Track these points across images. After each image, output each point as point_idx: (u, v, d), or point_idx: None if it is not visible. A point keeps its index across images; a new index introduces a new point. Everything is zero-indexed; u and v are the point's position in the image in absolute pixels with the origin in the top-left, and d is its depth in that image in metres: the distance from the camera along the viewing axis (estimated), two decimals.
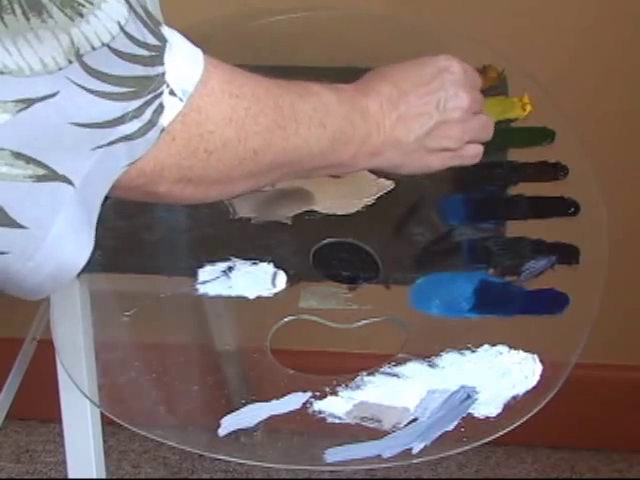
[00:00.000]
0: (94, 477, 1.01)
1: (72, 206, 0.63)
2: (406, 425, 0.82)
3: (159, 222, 1.00)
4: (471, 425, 0.81)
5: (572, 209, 0.97)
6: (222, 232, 0.98)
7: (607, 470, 1.60)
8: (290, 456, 0.84)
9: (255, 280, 0.93)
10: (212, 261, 0.94)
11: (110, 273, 0.98)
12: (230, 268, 0.94)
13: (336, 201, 0.99)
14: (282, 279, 0.93)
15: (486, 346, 0.86)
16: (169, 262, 0.98)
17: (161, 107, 0.65)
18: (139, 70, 0.64)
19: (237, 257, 0.94)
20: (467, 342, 0.86)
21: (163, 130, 0.66)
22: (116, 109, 0.63)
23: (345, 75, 1.13)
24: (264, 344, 0.90)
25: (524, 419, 0.81)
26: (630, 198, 1.35)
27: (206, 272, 0.94)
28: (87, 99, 0.62)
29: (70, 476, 1.02)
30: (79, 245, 0.65)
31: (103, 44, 0.62)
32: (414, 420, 0.82)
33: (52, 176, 0.61)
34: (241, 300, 0.92)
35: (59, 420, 0.99)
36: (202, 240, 0.97)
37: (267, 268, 0.94)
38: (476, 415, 0.82)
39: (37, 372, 1.19)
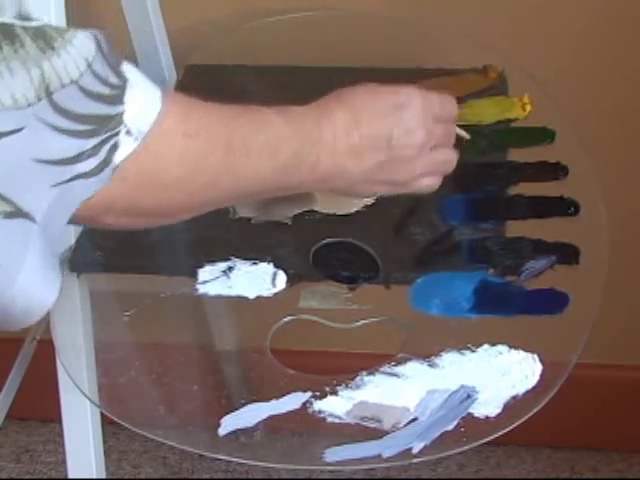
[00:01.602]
0: (94, 477, 1.01)
1: (38, 242, 0.64)
2: (406, 425, 0.82)
3: None
4: (471, 425, 0.81)
5: (572, 209, 0.97)
6: (222, 232, 0.98)
7: (607, 470, 1.60)
8: (290, 456, 0.84)
9: (255, 280, 0.93)
10: (212, 261, 0.94)
11: (110, 273, 0.99)
12: (230, 268, 0.94)
13: (336, 201, 0.99)
14: (282, 279, 0.93)
15: (486, 346, 0.86)
16: (169, 262, 0.98)
17: (116, 146, 0.66)
18: (101, 109, 0.65)
19: (237, 257, 0.94)
20: (467, 342, 0.87)
21: (115, 168, 0.67)
22: (75, 147, 0.64)
23: (345, 75, 1.13)
24: (264, 344, 0.90)
25: (524, 419, 0.81)
26: (630, 198, 1.35)
27: (206, 272, 0.94)
28: (50, 136, 0.63)
29: (70, 476, 1.02)
30: (49, 279, 0.66)
31: (72, 81, 0.63)
32: (414, 420, 0.82)
33: (18, 212, 0.62)
34: (241, 300, 0.92)
35: (59, 420, 0.99)
36: (202, 240, 0.97)
37: (267, 268, 0.94)
38: (476, 415, 0.82)
39: (37, 372, 1.19)
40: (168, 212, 0.75)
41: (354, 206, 0.99)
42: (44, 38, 0.62)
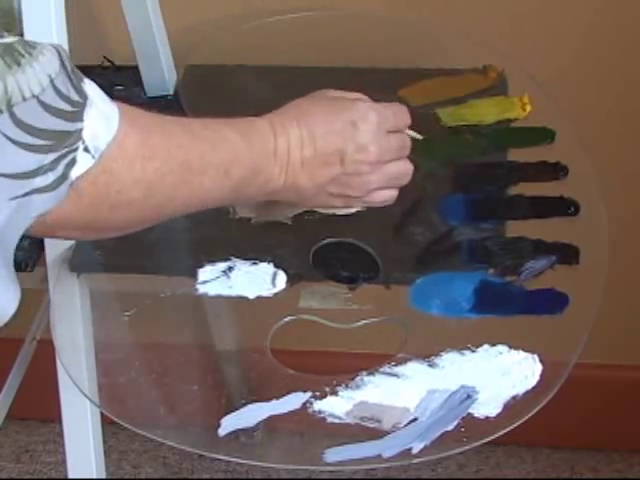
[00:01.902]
0: (94, 477, 1.01)
1: None
2: (406, 425, 0.82)
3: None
4: (471, 425, 0.81)
5: (572, 209, 0.97)
6: (222, 232, 0.98)
7: (607, 470, 1.60)
8: (290, 456, 0.84)
9: (255, 280, 0.93)
10: (212, 261, 0.94)
11: (110, 273, 0.99)
12: (230, 268, 0.94)
13: None
14: (282, 279, 0.93)
15: (486, 346, 0.86)
16: (169, 262, 0.98)
17: (73, 161, 0.67)
18: (60, 124, 0.66)
19: (237, 257, 0.94)
20: (467, 342, 0.86)
21: (72, 183, 0.68)
22: (34, 161, 0.65)
23: (345, 75, 1.13)
24: (264, 344, 0.90)
25: (524, 419, 0.81)
26: (630, 198, 1.35)
27: (206, 272, 0.94)
28: (10, 150, 0.64)
29: (70, 476, 1.02)
30: (7, 289, 0.67)
31: (33, 95, 0.64)
32: (414, 420, 0.82)
33: None
34: (241, 300, 0.92)
35: (59, 420, 0.99)
36: (202, 240, 0.97)
37: (267, 268, 0.94)
38: (476, 415, 0.82)
39: (37, 372, 1.19)
40: (120, 227, 0.77)
41: (354, 206, 0.99)
42: (12, 55, 0.64)
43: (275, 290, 0.93)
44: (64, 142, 0.66)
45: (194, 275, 0.94)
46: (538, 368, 0.84)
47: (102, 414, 0.98)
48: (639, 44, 1.25)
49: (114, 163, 0.70)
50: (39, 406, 1.41)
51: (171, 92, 1.17)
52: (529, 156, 1.02)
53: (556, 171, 1.01)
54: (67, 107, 0.66)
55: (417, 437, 0.81)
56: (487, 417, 0.82)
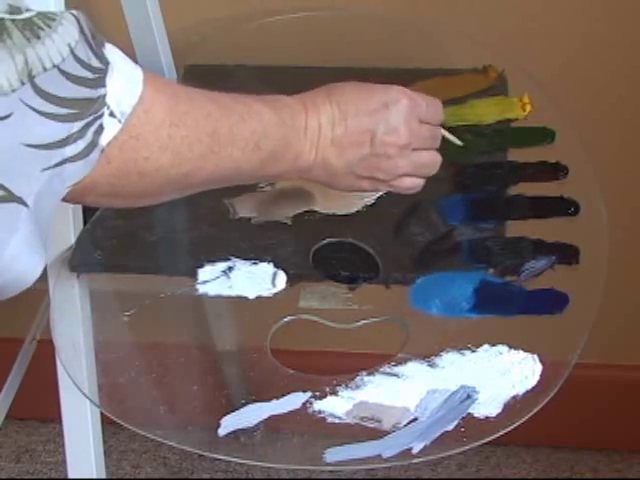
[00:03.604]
0: (94, 477, 1.01)
1: (27, 226, 0.65)
2: (406, 425, 0.82)
3: (159, 222, 1.00)
4: (471, 425, 0.81)
5: (572, 209, 0.97)
6: (222, 232, 0.98)
7: (607, 470, 1.60)
8: (290, 456, 0.84)
9: (255, 280, 0.93)
10: (212, 261, 0.94)
11: (110, 273, 0.99)
12: (230, 268, 0.94)
13: (336, 201, 0.99)
14: (282, 279, 0.93)
15: (486, 346, 0.86)
16: (169, 262, 0.98)
17: (101, 128, 0.67)
18: (83, 92, 0.66)
19: (237, 257, 0.94)
20: (467, 342, 0.87)
21: (103, 150, 0.67)
22: (62, 130, 0.65)
23: (345, 75, 1.13)
24: (264, 344, 0.90)
25: (524, 419, 0.81)
26: (630, 198, 1.35)
27: (206, 272, 0.94)
28: (37, 120, 0.63)
29: (70, 476, 1.02)
30: (32, 261, 0.66)
31: (54, 65, 0.64)
32: (414, 420, 0.82)
33: (9, 197, 0.63)
34: (241, 300, 0.92)
35: (59, 420, 0.99)
36: (202, 240, 0.97)
37: (267, 268, 0.94)
38: (476, 415, 0.82)
39: (37, 372, 1.19)
40: (149, 195, 0.76)
41: (354, 206, 0.99)
42: (31, 29, 0.64)
43: (275, 290, 0.93)
44: (89, 109, 0.66)
45: (194, 275, 0.94)
46: (538, 368, 0.84)
47: (102, 414, 0.98)
48: (639, 44, 1.25)
49: (141, 128, 0.70)
50: (39, 406, 1.41)
51: None
52: (529, 156, 1.02)
53: (556, 171, 1.01)
54: (88, 74, 0.66)
55: (417, 437, 0.81)
56: (487, 417, 0.82)
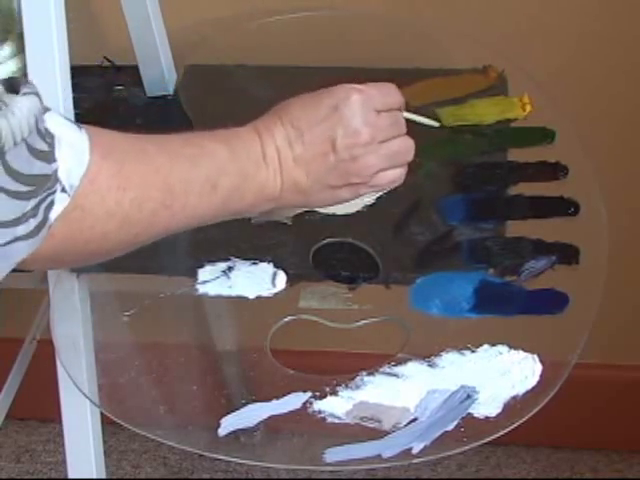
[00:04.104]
0: (94, 477, 1.01)
1: None
2: (406, 425, 0.82)
3: None
4: (471, 425, 0.81)
5: (572, 209, 0.97)
6: (222, 232, 0.98)
7: (607, 470, 1.60)
8: (290, 456, 0.84)
9: (255, 280, 0.93)
10: (212, 261, 0.94)
11: (110, 273, 0.98)
12: (230, 268, 0.94)
13: None
14: (282, 279, 0.93)
15: (486, 346, 0.86)
16: (169, 262, 0.98)
17: (52, 203, 0.66)
18: (41, 167, 0.64)
19: (237, 257, 0.94)
20: (467, 342, 0.87)
21: (51, 225, 0.66)
22: (18, 209, 0.63)
23: (345, 75, 1.13)
24: (264, 344, 0.90)
25: (524, 419, 0.81)
26: (630, 198, 1.35)
27: (206, 272, 0.94)
28: (1, 198, 0.62)
29: (70, 476, 1.01)
30: None
31: (22, 139, 0.62)
32: (414, 420, 0.82)
33: None
34: (241, 300, 0.92)
35: (59, 420, 0.99)
36: (202, 240, 0.97)
37: (267, 268, 0.94)
38: (476, 415, 0.82)
39: (37, 372, 1.19)
40: (98, 256, 0.75)
41: (354, 206, 0.99)
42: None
43: (275, 290, 0.93)
44: (44, 186, 0.64)
45: (194, 275, 0.94)
46: (538, 368, 0.84)
47: (102, 414, 0.98)
48: (639, 44, 1.25)
49: (85, 199, 0.67)
50: (39, 406, 1.41)
51: (171, 92, 1.17)
52: (529, 156, 1.02)
53: (556, 171, 1.01)
54: (45, 147, 0.64)
55: (417, 437, 0.81)
56: (487, 417, 0.82)
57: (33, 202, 0.64)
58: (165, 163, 0.74)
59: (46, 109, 0.66)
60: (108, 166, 0.69)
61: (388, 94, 0.86)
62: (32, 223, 0.64)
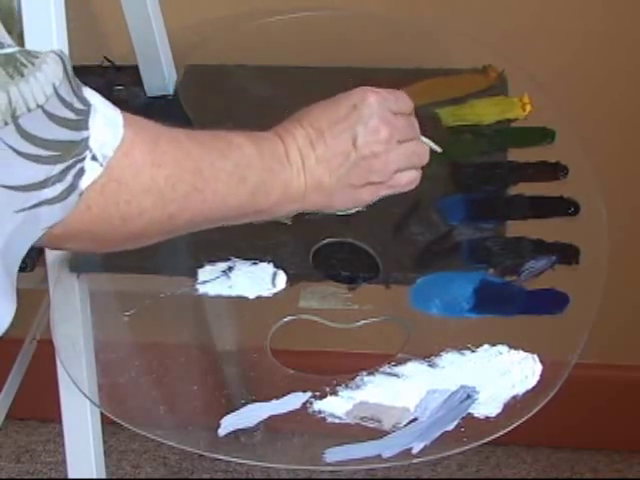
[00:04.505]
0: (94, 477, 1.01)
1: None
2: (406, 425, 0.82)
3: None
4: (471, 425, 0.81)
5: (572, 209, 0.97)
6: (222, 232, 0.98)
7: (607, 470, 1.60)
8: (290, 456, 0.84)
9: (255, 280, 0.93)
10: (212, 261, 0.94)
11: (110, 273, 0.99)
12: (230, 268, 0.94)
13: None
14: (282, 279, 0.93)
15: (486, 346, 0.86)
16: (169, 262, 0.98)
17: (82, 171, 0.66)
18: (66, 134, 0.65)
19: (237, 257, 0.94)
20: (467, 342, 0.86)
21: (82, 193, 0.66)
22: (41, 173, 0.63)
23: (345, 75, 1.13)
24: (264, 344, 0.90)
25: (524, 419, 0.81)
26: (630, 198, 1.35)
27: (206, 272, 0.94)
28: (17, 162, 0.62)
29: (70, 476, 1.02)
30: (2, 307, 0.67)
31: (38, 105, 0.63)
32: (414, 420, 0.82)
33: None
34: (241, 300, 0.92)
35: (59, 420, 0.99)
36: (202, 240, 0.97)
37: (267, 268, 0.94)
38: (476, 415, 0.82)
39: (37, 372, 1.19)
40: (135, 239, 0.75)
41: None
42: (14, 65, 0.62)
43: (275, 290, 0.93)
44: (71, 152, 0.65)
45: (194, 275, 0.94)
46: (538, 368, 0.84)
47: (102, 414, 0.98)
48: (639, 44, 1.25)
49: (121, 171, 0.68)
50: (39, 406, 1.41)
51: (171, 92, 1.17)
52: (529, 156, 1.02)
53: (556, 171, 1.01)
54: (71, 115, 0.65)
55: (417, 437, 0.81)
56: (487, 417, 0.82)
57: (59, 167, 0.64)
58: (195, 150, 0.75)
59: (82, 85, 0.67)
60: (142, 143, 0.70)
61: (401, 99, 0.88)
62: (59, 188, 0.64)
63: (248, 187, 0.79)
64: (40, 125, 0.63)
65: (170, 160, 0.72)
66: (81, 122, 0.66)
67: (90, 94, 0.68)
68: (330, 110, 0.85)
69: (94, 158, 0.66)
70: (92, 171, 0.66)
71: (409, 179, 0.89)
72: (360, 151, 0.84)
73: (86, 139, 0.66)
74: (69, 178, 0.65)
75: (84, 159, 0.66)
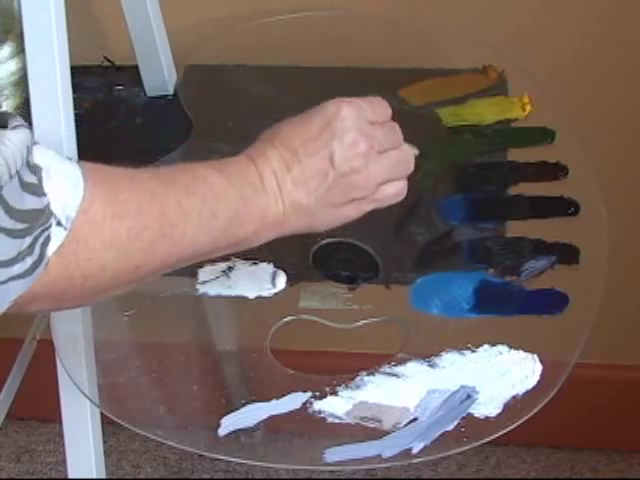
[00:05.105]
0: (94, 477, 1.01)
1: None
2: (406, 425, 0.82)
3: None
4: (471, 425, 0.81)
5: (572, 209, 0.97)
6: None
7: (607, 470, 1.60)
8: (290, 456, 0.84)
9: (255, 280, 0.93)
10: (212, 261, 0.94)
11: None
12: (230, 268, 0.94)
13: None
14: (282, 279, 0.93)
15: (486, 346, 0.86)
16: None
17: (48, 239, 0.63)
18: (34, 202, 0.62)
19: (237, 257, 0.94)
20: (467, 342, 0.86)
21: (48, 262, 0.63)
22: (13, 248, 0.61)
23: (345, 75, 1.13)
24: (264, 344, 0.90)
25: (524, 419, 0.81)
26: (630, 198, 1.35)
27: (206, 272, 0.94)
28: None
29: (70, 476, 1.01)
30: None
31: (16, 172, 0.60)
32: (414, 420, 0.82)
33: None
34: (241, 300, 0.92)
35: (59, 420, 0.99)
36: None
37: (267, 268, 0.94)
38: (476, 415, 0.82)
39: (37, 372, 1.19)
40: (99, 293, 0.71)
41: None
42: None
43: (275, 290, 0.93)
44: (38, 221, 0.62)
45: (194, 275, 0.94)
46: (538, 368, 0.84)
47: (102, 414, 0.98)
48: (638, 44, 1.25)
49: (82, 231, 0.65)
50: (39, 406, 1.41)
51: (171, 92, 1.17)
52: (529, 156, 1.02)
53: (556, 171, 1.01)
54: (34, 180, 0.62)
55: (417, 437, 0.81)
56: (487, 417, 0.82)
57: (28, 240, 0.62)
58: (159, 189, 0.71)
59: (34, 142, 0.64)
60: (102, 194, 0.67)
61: (378, 106, 0.83)
62: (28, 261, 0.62)
63: (220, 222, 0.74)
64: (16, 194, 0.60)
65: (132, 209, 0.68)
66: (39, 186, 0.63)
67: (42, 155, 0.64)
68: (302, 127, 0.80)
69: (59, 224, 0.63)
70: (57, 237, 0.63)
71: (396, 190, 0.83)
72: (338, 169, 0.79)
73: (47, 205, 0.63)
74: (37, 249, 0.62)
75: (50, 227, 0.63)
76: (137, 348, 0.95)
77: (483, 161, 1.03)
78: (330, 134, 0.79)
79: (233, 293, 0.93)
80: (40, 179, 0.63)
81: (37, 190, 0.62)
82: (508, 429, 0.81)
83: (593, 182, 0.98)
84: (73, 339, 0.93)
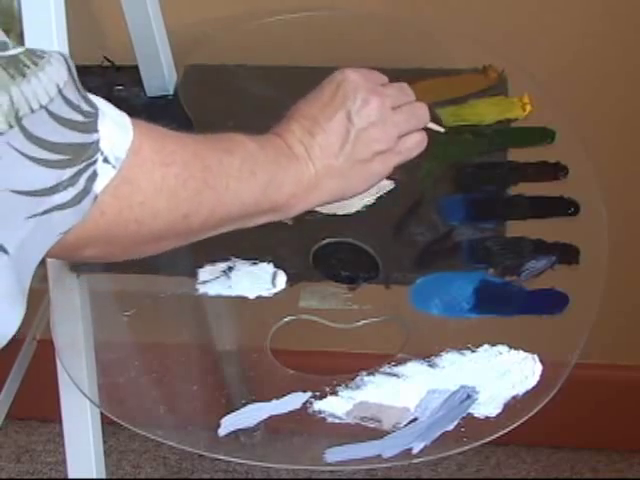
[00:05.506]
0: (94, 477, 1.01)
1: (7, 274, 0.62)
2: (406, 425, 0.82)
3: None
4: (471, 425, 0.81)
5: (572, 209, 0.97)
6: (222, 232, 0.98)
7: (607, 470, 1.60)
8: (290, 456, 0.84)
9: (255, 280, 0.93)
10: (212, 261, 0.94)
11: (110, 273, 0.99)
12: (230, 268, 0.94)
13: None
14: (282, 279, 0.93)
15: (486, 346, 0.86)
16: (169, 262, 0.98)
17: (95, 174, 0.65)
18: (75, 136, 0.64)
19: (237, 257, 0.94)
20: (467, 342, 0.87)
21: (96, 197, 0.65)
22: (51, 177, 0.62)
23: None
24: (264, 344, 0.90)
25: (524, 419, 0.81)
26: (630, 198, 1.35)
27: (206, 272, 0.94)
28: (25, 166, 0.61)
29: (70, 476, 1.02)
30: (11, 314, 0.64)
31: (41, 106, 0.62)
32: (414, 420, 0.82)
33: None
34: (241, 300, 0.92)
35: (59, 420, 0.99)
36: (202, 240, 0.97)
37: (267, 268, 0.94)
38: (476, 415, 0.82)
39: (37, 372, 1.19)
40: (149, 242, 0.74)
41: (354, 206, 0.99)
42: (16, 66, 0.61)
43: (275, 290, 0.93)
44: (82, 155, 0.64)
45: (194, 275, 0.94)
46: (538, 368, 0.85)
47: (102, 414, 0.98)
48: (639, 44, 1.25)
49: (133, 172, 0.67)
50: (39, 406, 1.41)
51: (171, 92, 1.17)
52: (529, 156, 1.02)
53: (556, 171, 1.01)
54: (79, 118, 0.64)
55: (417, 437, 0.81)
56: (487, 417, 0.82)
57: (70, 171, 0.63)
58: (201, 149, 0.75)
59: (79, 82, 0.66)
60: (150, 142, 0.70)
61: (382, 75, 0.88)
62: (71, 192, 0.63)
63: (259, 181, 0.78)
64: (46, 127, 0.62)
65: (178, 159, 0.72)
66: (90, 124, 0.65)
67: (96, 98, 0.67)
68: (316, 98, 0.85)
69: (106, 160, 0.65)
70: (105, 174, 0.65)
71: (415, 141, 0.88)
72: (357, 125, 0.84)
73: (96, 141, 0.65)
74: (81, 182, 0.64)
75: (96, 162, 0.65)
76: (137, 348, 0.95)
77: (483, 161, 1.03)
78: (342, 96, 0.84)
79: (233, 293, 0.93)
80: (96, 116, 0.65)
81: (85, 127, 0.64)
82: (508, 429, 0.81)
83: (593, 182, 0.98)
84: (73, 339, 0.93)
